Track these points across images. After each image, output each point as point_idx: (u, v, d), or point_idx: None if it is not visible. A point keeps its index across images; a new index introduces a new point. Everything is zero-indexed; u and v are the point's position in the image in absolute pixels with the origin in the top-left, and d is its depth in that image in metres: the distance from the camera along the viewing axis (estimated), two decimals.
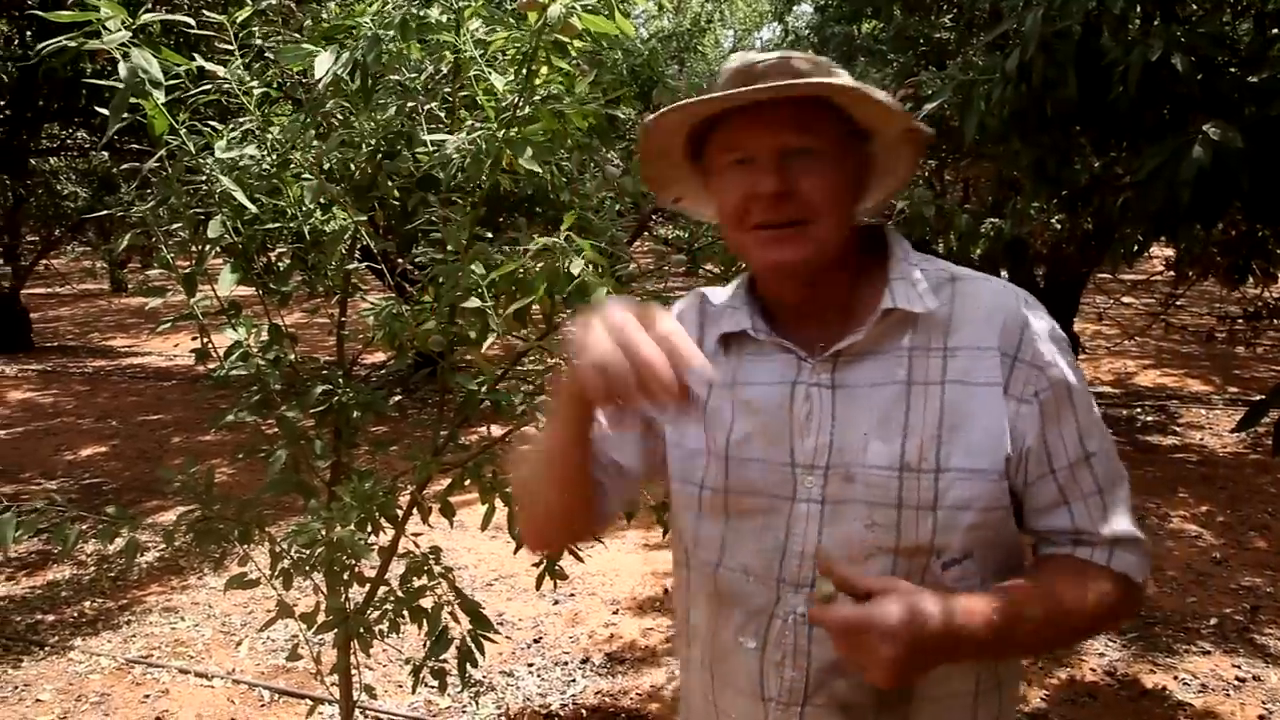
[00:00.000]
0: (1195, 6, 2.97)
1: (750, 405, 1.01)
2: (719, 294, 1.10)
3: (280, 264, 2.18)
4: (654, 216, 9.86)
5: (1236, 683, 3.09)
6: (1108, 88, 2.34)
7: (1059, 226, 3.58)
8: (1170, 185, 2.10)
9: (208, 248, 1.98)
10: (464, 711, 2.96)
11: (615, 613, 3.68)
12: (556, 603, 3.75)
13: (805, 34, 8.81)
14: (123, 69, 1.52)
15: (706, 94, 0.98)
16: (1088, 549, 0.97)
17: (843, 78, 0.96)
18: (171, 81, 1.69)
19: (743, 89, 0.92)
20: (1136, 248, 3.16)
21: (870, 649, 0.82)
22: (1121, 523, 0.97)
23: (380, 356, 4.20)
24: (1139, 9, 2.59)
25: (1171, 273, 4.96)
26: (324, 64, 1.43)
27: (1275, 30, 2.77)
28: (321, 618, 2.03)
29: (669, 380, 0.76)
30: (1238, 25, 3.02)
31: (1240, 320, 5.78)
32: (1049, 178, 2.70)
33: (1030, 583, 0.94)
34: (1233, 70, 2.59)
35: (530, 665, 3.26)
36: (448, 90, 1.79)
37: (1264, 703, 2.97)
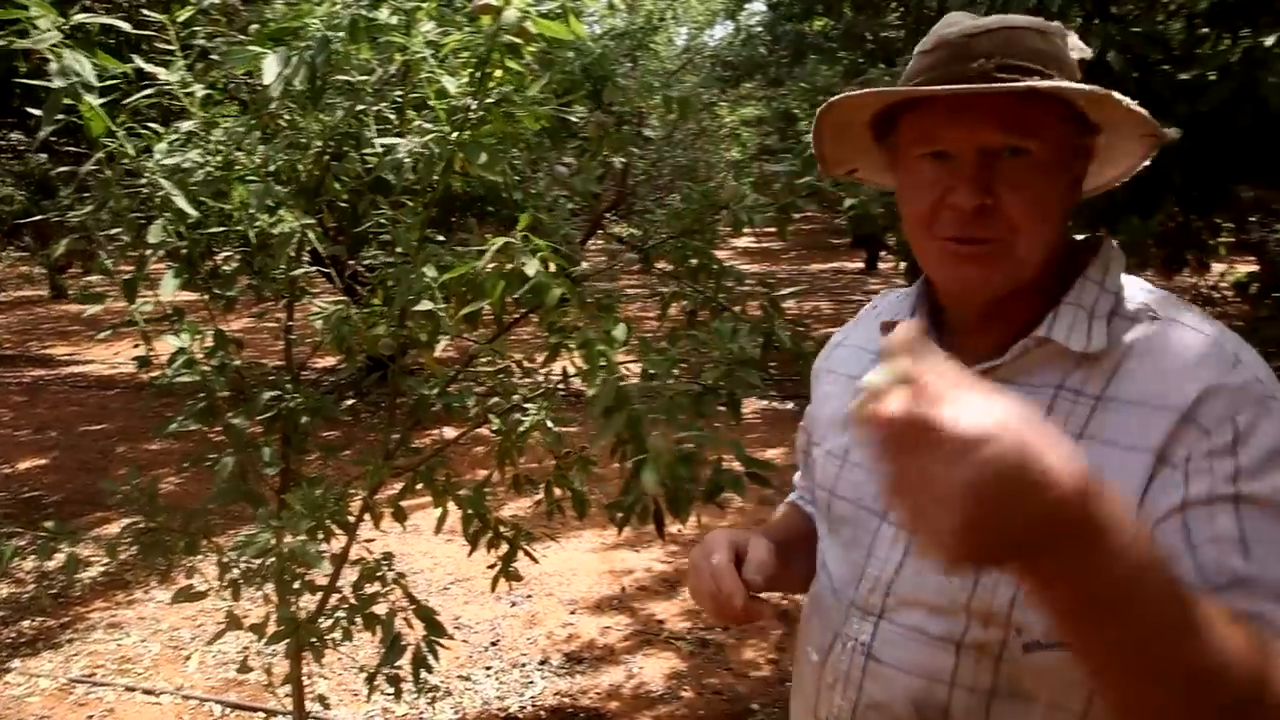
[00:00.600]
0: (1131, 5, 3.05)
1: None
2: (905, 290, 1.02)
3: (225, 268, 2.14)
4: (606, 215, 9.86)
5: None
6: None
7: None
8: None
9: (149, 253, 1.94)
10: (421, 718, 2.94)
11: (573, 613, 3.68)
12: (514, 604, 3.73)
13: (758, 31, 8.88)
14: (54, 70, 1.48)
15: (916, 65, 0.86)
16: (1246, 595, 0.69)
17: (1074, 54, 0.82)
18: (109, 82, 1.65)
19: (956, 87, 0.78)
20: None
21: (929, 473, 0.52)
22: None
23: (330, 361, 4.14)
24: (1077, 7, 2.65)
25: None
26: (273, 68, 1.40)
27: (1205, 30, 2.85)
28: (272, 628, 1.99)
29: (726, 613, 0.90)
30: (1170, 24, 3.10)
31: None
32: None
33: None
34: (1165, 68, 2.66)
35: (488, 668, 3.24)
36: (399, 93, 1.77)
37: None
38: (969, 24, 0.84)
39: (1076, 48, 0.85)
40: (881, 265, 15.04)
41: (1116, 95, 0.77)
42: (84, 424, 6.98)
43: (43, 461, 6.01)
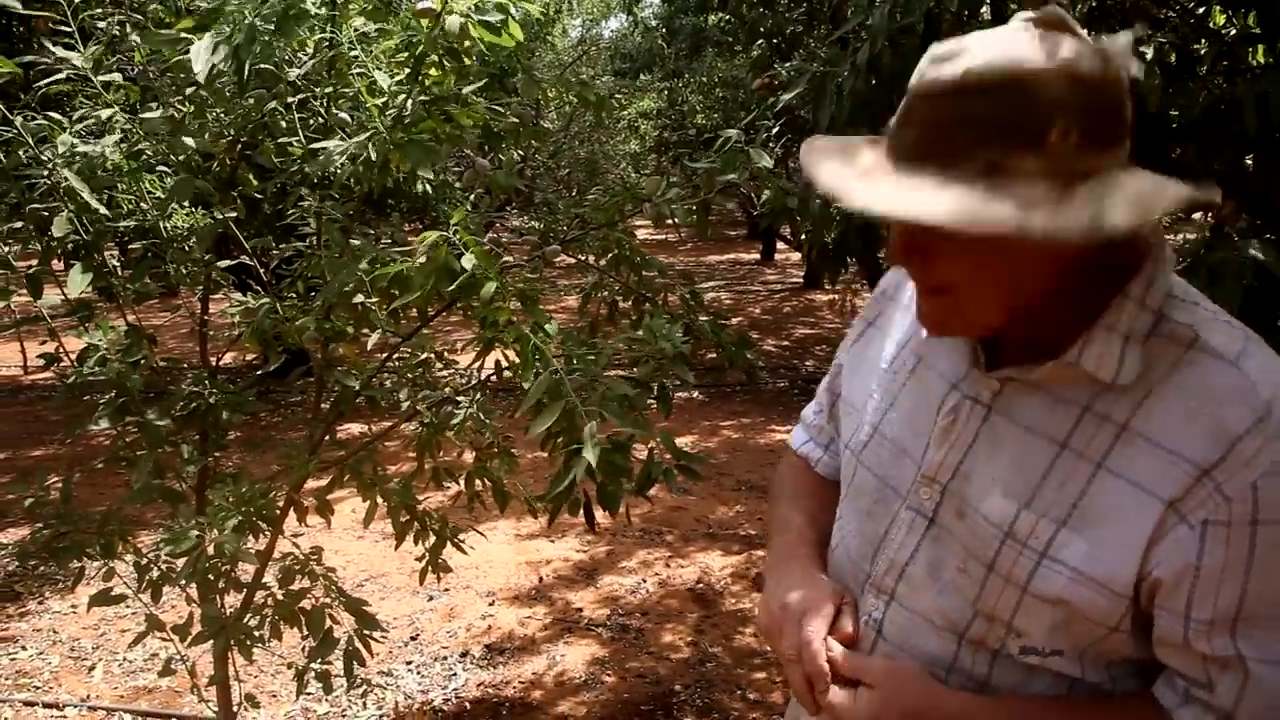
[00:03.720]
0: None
1: (920, 387, 0.93)
2: None
3: (131, 263, 2.07)
4: (506, 207, 9.79)
5: None
6: None
7: None
8: None
9: (54, 246, 1.86)
10: (344, 715, 2.90)
11: (491, 604, 3.68)
12: (431, 599, 3.71)
13: (654, 25, 8.94)
14: None
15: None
16: (1196, 710, 0.78)
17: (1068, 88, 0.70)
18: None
19: (843, 193, 0.76)
20: None
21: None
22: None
23: (229, 359, 4.01)
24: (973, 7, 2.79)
25: None
26: (202, 55, 1.37)
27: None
28: (196, 628, 1.95)
29: (802, 688, 0.90)
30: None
31: None
32: None
33: (1078, 710, 0.84)
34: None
35: (409, 663, 3.22)
36: (329, 87, 1.75)
37: None
38: (930, 75, 0.75)
39: (1082, 76, 0.70)
40: (777, 256, 15.38)
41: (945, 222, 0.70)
42: None
43: None
